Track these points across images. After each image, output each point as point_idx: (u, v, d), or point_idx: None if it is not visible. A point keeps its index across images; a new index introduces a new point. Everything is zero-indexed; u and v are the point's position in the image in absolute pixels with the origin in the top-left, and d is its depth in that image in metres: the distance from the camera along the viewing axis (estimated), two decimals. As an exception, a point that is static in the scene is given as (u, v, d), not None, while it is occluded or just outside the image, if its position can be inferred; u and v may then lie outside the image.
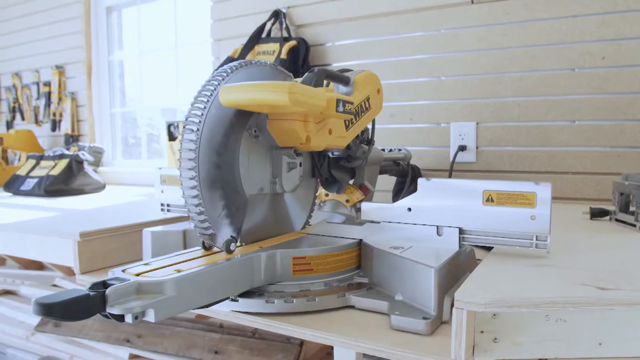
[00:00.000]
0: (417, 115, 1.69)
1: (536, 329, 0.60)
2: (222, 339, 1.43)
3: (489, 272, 0.66)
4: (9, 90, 3.14)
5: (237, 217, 0.77)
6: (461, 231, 0.76)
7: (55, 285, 1.99)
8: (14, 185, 2.05)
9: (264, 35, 1.91)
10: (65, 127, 2.84)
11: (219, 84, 0.74)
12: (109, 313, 0.56)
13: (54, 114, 2.88)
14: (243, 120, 0.78)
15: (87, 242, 1.01)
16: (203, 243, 0.76)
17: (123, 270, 0.65)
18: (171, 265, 0.68)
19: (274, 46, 1.82)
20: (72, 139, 2.81)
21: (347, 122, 0.93)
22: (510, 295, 0.56)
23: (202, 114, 0.71)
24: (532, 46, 1.50)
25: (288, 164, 0.86)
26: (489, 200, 0.74)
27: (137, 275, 0.63)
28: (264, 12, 1.95)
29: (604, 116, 1.43)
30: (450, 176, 1.57)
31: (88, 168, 2.10)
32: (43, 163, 2.09)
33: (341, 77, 0.95)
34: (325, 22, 1.85)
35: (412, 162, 1.54)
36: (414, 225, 0.80)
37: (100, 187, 2.10)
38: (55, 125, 2.88)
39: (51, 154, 2.14)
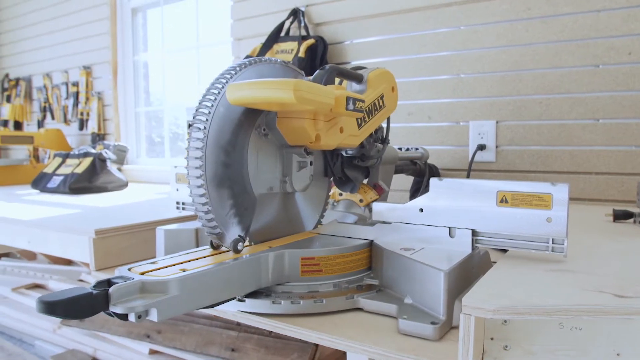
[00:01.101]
0: (436, 114, 1.65)
1: (550, 337, 0.57)
2: (239, 337, 1.44)
3: (500, 277, 0.64)
4: (40, 90, 3.25)
5: (245, 216, 0.77)
6: (474, 233, 0.74)
7: (81, 280, 2.04)
8: (41, 182, 2.11)
9: (282, 34, 1.90)
10: (92, 126, 2.91)
11: (226, 82, 0.74)
12: (112, 312, 0.56)
13: (82, 114, 2.95)
14: (252, 119, 0.77)
15: (102, 239, 1.02)
16: (211, 242, 0.76)
17: (129, 269, 0.65)
18: (177, 264, 0.68)
19: (292, 45, 1.81)
20: (98, 137, 2.88)
21: (359, 120, 0.92)
22: (521, 301, 0.54)
23: (210, 112, 0.70)
24: (554, 42, 1.45)
25: (298, 163, 0.85)
26: (503, 201, 0.71)
27: (142, 274, 0.63)
28: (283, 11, 1.95)
29: (629, 114, 1.37)
30: (468, 176, 1.53)
31: (111, 166, 2.14)
32: (69, 161, 2.15)
33: (354, 75, 0.94)
34: (344, 20, 1.83)
35: (430, 161, 1.51)
36: (426, 226, 0.78)
37: (122, 185, 2.14)
38: (82, 125, 2.96)
39: (76, 153, 2.20)
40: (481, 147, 1.53)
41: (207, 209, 0.70)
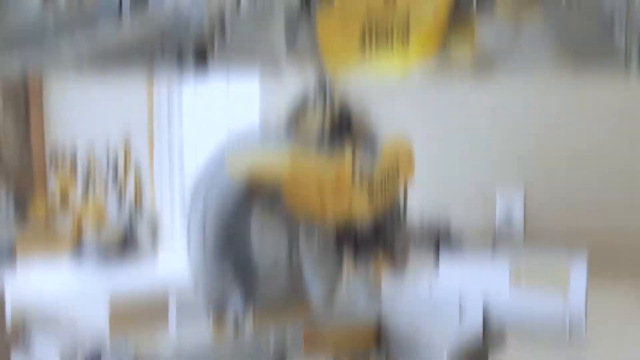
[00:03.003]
0: (461, 179, 1.61)
1: None
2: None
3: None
4: (83, 162, 3.43)
5: (248, 288, 0.75)
6: (485, 312, 0.69)
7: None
8: (77, 252, 2.17)
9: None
10: (129, 198, 3.01)
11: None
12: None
13: (120, 186, 3.08)
14: (256, 190, 0.78)
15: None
16: (211, 315, 0.74)
17: (126, 340, 0.64)
18: (175, 337, 0.67)
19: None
20: (135, 209, 2.97)
21: (370, 191, 0.91)
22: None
23: (212, 182, 0.72)
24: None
25: (306, 235, 0.84)
26: (515, 278, 0.67)
27: (136, 346, 0.62)
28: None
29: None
30: (493, 247, 1.45)
31: (142, 237, 2.19)
32: (103, 232, 2.22)
33: (367, 143, 0.93)
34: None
35: (452, 229, 1.45)
36: (435, 303, 0.74)
37: (152, 256, 2.17)
38: (120, 196, 3.07)
39: (111, 224, 2.27)
40: (508, 216, 1.47)
41: (206, 281, 0.70)
